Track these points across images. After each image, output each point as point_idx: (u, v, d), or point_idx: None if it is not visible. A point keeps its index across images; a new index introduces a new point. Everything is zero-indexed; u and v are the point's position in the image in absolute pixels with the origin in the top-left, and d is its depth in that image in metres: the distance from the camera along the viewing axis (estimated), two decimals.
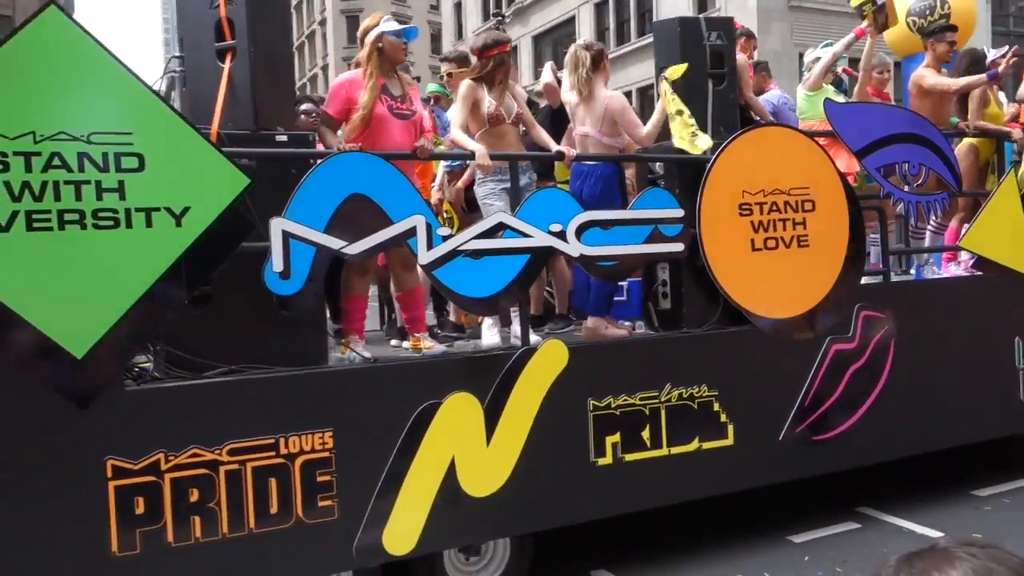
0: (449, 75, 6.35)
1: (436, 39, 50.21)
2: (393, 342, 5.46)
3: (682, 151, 4.97)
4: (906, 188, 5.64)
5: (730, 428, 4.91)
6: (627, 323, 5.51)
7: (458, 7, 42.95)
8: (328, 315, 4.77)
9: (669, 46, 5.18)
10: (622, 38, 30.84)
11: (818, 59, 6.48)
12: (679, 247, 4.75)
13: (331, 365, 4.25)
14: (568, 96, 5.59)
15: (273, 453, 3.86)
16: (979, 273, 5.88)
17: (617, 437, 4.61)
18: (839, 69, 7.42)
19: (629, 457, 4.64)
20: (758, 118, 6.14)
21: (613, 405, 4.60)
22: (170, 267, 3.61)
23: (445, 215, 5.93)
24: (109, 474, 3.57)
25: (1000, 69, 6.32)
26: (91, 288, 3.50)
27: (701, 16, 5.21)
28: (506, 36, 5.57)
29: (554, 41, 35.38)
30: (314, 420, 3.94)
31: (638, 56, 27.76)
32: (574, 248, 4.48)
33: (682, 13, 28.51)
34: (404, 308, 4.96)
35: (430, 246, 4.16)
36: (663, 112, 5.16)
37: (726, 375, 4.94)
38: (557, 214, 4.46)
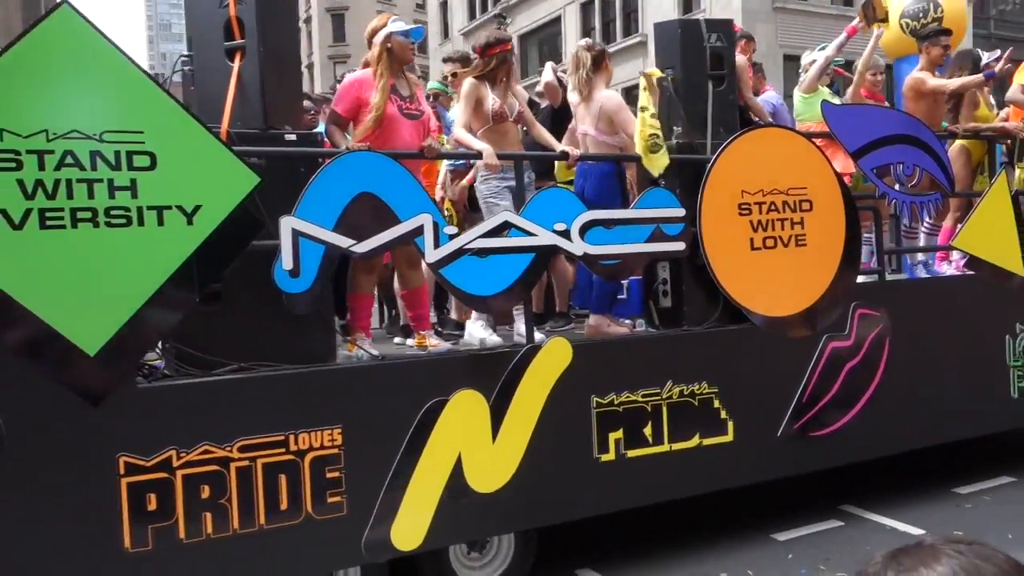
0: (454, 75, 6.38)
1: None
2: (396, 339, 5.49)
3: (683, 152, 5.04)
4: (898, 187, 5.72)
5: (730, 425, 4.98)
6: (627, 321, 5.56)
7: (444, 6, 42.94)
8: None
9: (670, 47, 5.25)
10: (608, 38, 30.91)
11: (814, 62, 6.56)
12: (680, 246, 4.81)
13: (339, 363, 4.28)
14: (571, 96, 5.65)
15: (283, 450, 3.89)
16: (971, 272, 5.98)
17: (620, 433, 4.67)
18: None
19: (632, 453, 4.70)
20: (757, 119, 6.21)
21: (616, 402, 4.66)
22: (182, 265, 3.63)
23: (446, 213, 5.95)
24: (122, 471, 3.59)
25: (996, 69, 6.43)
26: (103, 286, 3.52)
27: (702, 18, 5.27)
28: (507, 34, 5.63)
29: (540, 41, 35.46)
30: (323, 417, 3.97)
31: (624, 56, 27.85)
32: (578, 247, 4.53)
33: (668, 14, 28.64)
34: (409, 306, 4.99)
35: (437, 245, 4.20)
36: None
37: (726, 372, 5.01)
38: (561, 213, 4.51)
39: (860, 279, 5.65)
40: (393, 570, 4.34)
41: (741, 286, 4.99)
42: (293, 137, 4.18)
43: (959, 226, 5.98)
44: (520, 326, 4.81)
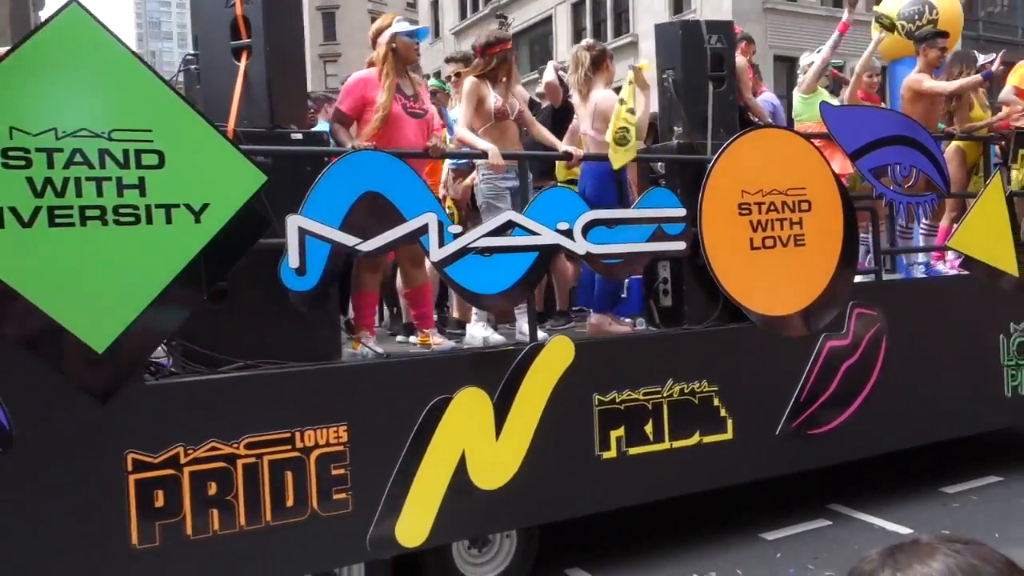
0: (457, 75, 6.40)
1: None
2: (399, 338, 5.52)
3: (683, 152, 5.08)
4: (894, 188, 5.78)
5: (729, 423, 5.03)
6: (628, 320, 5.60)
7: (435, 5, 42.94)
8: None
9: (671, 48, 5.29)
10: (599, 38, 30.92)
11: (812, 63, 6.62)
12: (681, 245, 4.85)
13: (345, 360, 4.31)
14: (574, 96, 5.70)
15: (289, 447, 3.92)
16: (966, 272, 6.04)
17: (621, 431, 4.71)
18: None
19: (633, 451, 4.74)
20: (756, 119, 6.26)
21: (617, 400, 4.70)
22: (189, 263, 3.64)
23: (448, 212, 5.98)
24: (129, 468, 3.61)
25: (993, 68, 6.50)
26: (112, 283, 3.53)
27: (703, 20, 5.32)
28: (507, 34, 5.66)
29: (531, 40, 35.50)
30: (329, 414, 4.00)
31: (614, 56, 27.84)
32: (580, 246, 4.57)
33: (659, 15, 28.74)
34: (413, 304, 5.01)
35: (442, 243, 4.23)
36: (647, 104, 5.36)
37: (726, 371, 5.05)
38: (564, 212, 4.55)
39: (857, 279, 5.70)
40: (397, 567, 4.37)
41: (741, 285, 5.04)
42: (299, 136, 4.20)
43: (955, 226, 6.04)
44: (523, 324, 4.84)
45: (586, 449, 4.62)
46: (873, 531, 5.35)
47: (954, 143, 6.72)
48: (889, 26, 6.59)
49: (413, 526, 4.16)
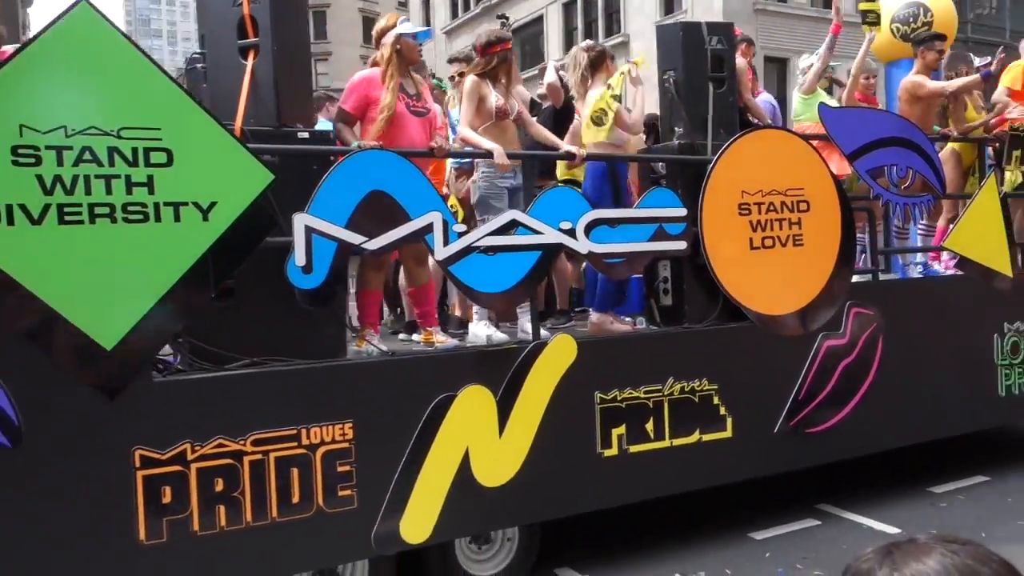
0: (461, 75, 6.43)
1: None
2: (402, 336, 5.55)
3: (684, 152, 5.13)
4: (891, 189, 5.84)
5: (729, 421, 5.07)
6: (628, 319, 5.64)
7: (426, 4, 42.94)
8: None
9: (672, 49, 5.33)
10: (590, 38, 31.01)
11: (812, 65, 6.68)
12: (682, 245, 4.89)
13: (350, 358, 4.33)
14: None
15: (295, 444, 3.94)
16: (961, 272, 6.11)
17: (622, 429, 4.75)
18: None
19: (634, 449, 4.78)
20: (756, 120, 6.31)
21: (619, 398, 4.74)
22: (197, 261, 3.67)
23: (451, 210, 6.00)
24: (137, 464, 3.63)
25: (992, 69, 6.57)
26: (121, 281, 3.55)
27: (703, 21, 5.37)
28: (508, 34, 5.70)
29: (522, 40, 35.52)
30: (335, 411, 4.02)
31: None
32: (583, 245, 4.61)
33: (649, 15, 28.85)
34: (416, 303, 5.04)
35: (446, 242, 4.26)
36: (642, 101, 5.46)
37: (725, 369, 5.09)
38: (567, 212, 4.58)
39: (854, 279, 5.75)
40: (400, 563, 4.40)
41: (740, 285, 5.08)
42: (305, 135, 4.22)
43: (950, 227, 6.11)
44: (525, 323, 4.88)
45: (588, 447, 4.66)
46: (861, 531, 5.38)
47: (949, 146, 6.79)
48: (874, 20, 6.66)
49: (417, 523, 4.19)
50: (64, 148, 3.42)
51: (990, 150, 6.79)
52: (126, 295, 3.55)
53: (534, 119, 5.78)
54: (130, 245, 3.55)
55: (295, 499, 3.93)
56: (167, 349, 4.05)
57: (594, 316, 5.38)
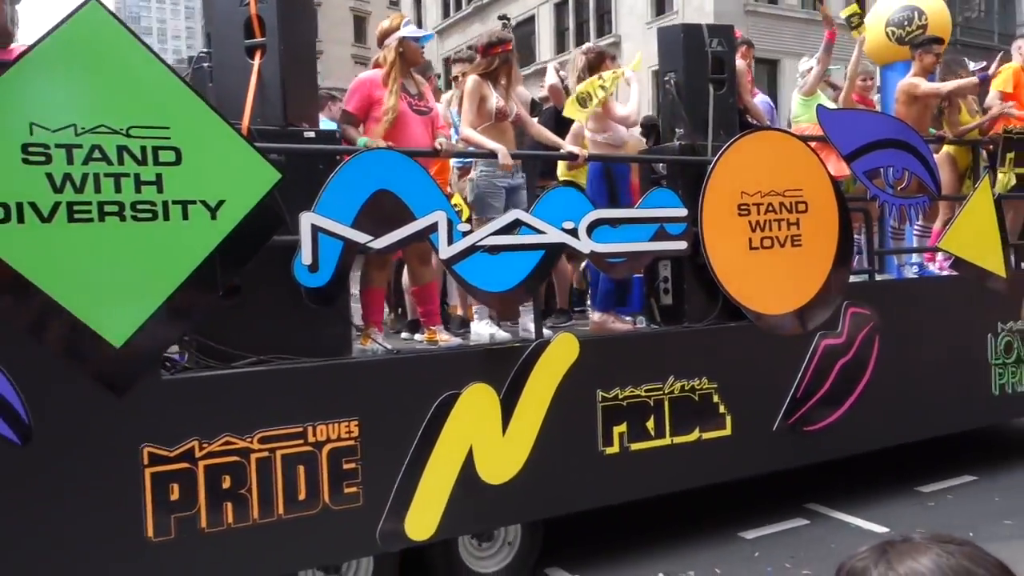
0: (464, 75, 6.46)
1: None
2: (404, 334, 5.58)
3: (685, 153, 5.18)
4: (887, 190, 5.90)
5: (728, 419, 5.12)
6: (629, 318, 5.68)
7: (418, 3, 42.91)
8: None
9: (672, 51, 5.38)
10: (582, 38, 31.06)
11: (811, 68, 6.74)
12: (683, 245, 4.94)
13: (356, 356, 4.36)
14: None
15: (301, 441, 3.96)
16: (956, 273, 6.18)
17: (624, 427, 4.79)
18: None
19: (635, 447, 4.82)
20: (755, 122, 6.36)
21: (620, 396, 4.78)
22: (205, 259, 3.69)
23: (456, 209, 6.03)
24: (145, 461, 3.65)
25: (990, 71, 6.65)
26: (129, 278, 3.57)
27: (703, 23, 5.42)
28: (509, 35, 5.74)
29: (515, 40, 35.54)
30: (341, 409, 4.05)
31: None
32: (585, 245, 4.64)
33: (641, 16, 28.95)
34: (419, 302, 5.07)
35: (450, 241, 4.29)
36: (638, 89, 5.63)
37: (725, 368, 5.14)
38: (569, 212, 4.62)
39: (851, 279, 5.81)
40: (403, 560, 4.43)
41: (740, 285, 5.13)
42: (312, 134, 4.25)
43: (945, 228, 6.18)
44: (527, 322, 4.91)
45: (590, 444, 4.70)
46: (850, 530, 5.41)
47: (944, 151, 6.86)
48: (859, 23, 6.73)
49: (422, 519, 4.22)
50: (74, 146, 3.44)
51: (985, 154, 6.86)
52: (135, 293, 3.57)
53: (535, 119, 5.82)
54: (139, 243, 3.56)
55: (301, 496, 3.95)
56: (174, 347, 4.06)
57: (595, 315, 5.43)
